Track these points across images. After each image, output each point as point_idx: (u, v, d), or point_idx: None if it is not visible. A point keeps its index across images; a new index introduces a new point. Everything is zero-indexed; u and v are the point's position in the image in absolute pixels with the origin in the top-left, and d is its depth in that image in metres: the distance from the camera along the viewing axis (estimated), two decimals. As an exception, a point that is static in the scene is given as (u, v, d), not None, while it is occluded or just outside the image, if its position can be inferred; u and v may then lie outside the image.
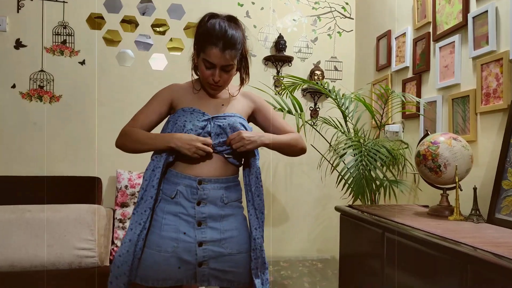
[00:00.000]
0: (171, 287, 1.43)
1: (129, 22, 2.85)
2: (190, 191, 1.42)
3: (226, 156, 1.47)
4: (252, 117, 1.62)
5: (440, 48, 2.12)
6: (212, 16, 1.44)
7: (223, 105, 1.52)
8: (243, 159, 1.55)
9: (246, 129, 1.48)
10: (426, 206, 2.01)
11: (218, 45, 1.36)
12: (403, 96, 2.12)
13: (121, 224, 2.52)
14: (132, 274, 1.39)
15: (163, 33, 2.90)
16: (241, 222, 1.49)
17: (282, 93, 2.50)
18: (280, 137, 1.53)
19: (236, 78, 1.58)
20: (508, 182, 1.54)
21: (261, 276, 1.46)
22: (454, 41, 2.00)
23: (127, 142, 1.48)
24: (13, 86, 2.66)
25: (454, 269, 1.21)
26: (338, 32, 3.22)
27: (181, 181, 1.44)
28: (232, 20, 1.45)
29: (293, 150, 1.57)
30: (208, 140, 1.41)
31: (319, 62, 3.18)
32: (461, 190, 1.64)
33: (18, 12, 2.66)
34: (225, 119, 1.46)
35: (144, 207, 1.40)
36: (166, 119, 1.56)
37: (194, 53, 1.50)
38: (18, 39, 2.67)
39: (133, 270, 1.39)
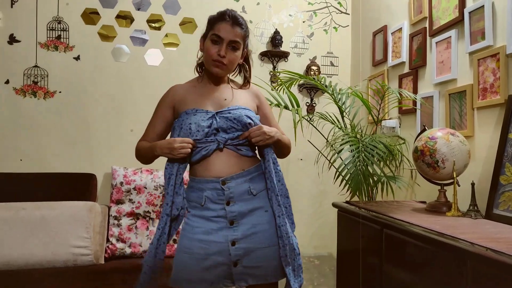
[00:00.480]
0: None
1: (125, 18, 2.82)
2: (217, 194, 1.42)
3: (237, 148, 1.45)
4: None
5: (436, 43, 2.12)
6: (222, 11, 1.51)
7: (225, 99, 1.50)
8: (256, 150, 1.54)
9: (252, 120, 1.46)
10: (424, 202, 2.01)
11: (228, 21, 1.43)
12: (399, 93, 2.11)
13: (116, 222, 2.50)
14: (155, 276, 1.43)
15: (158, 28, 2.87)
16: (271, 215, 1.48)
17: (279, 88, 2.49)
18: (284, 137, 1.57)
19: (237, 79, 1.62)
20: (506, 177, 1.54)
21: (292, 263, 1.44)
22: (450, 36, 2.00)
23: (138, 157, 1.58)
24: (7, 82, 2.63)
25: (453, 265, 1.21)
26: (334, 28, 3.21)
27: (205, 186, 1.43)
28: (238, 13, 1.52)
29: (286, 151, 1.63)
30: (186, 139, 1.40)
31: (315, 58, 3.17)
32: (459, 185, 1.64)
33: (12, 7, 2.63)
34: (229, 113, 1.44)
35: (162, 214, 1.45)
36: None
37: (201, 43, 1.52)
38: (12, 34, 2.63)
39: (156, 273, 1.43)
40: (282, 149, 1.57)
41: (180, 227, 1.48)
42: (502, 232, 1.33)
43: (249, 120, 1.45)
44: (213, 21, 1.47)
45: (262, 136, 1.43)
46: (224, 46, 1.43)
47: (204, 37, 1.51)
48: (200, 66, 1.57)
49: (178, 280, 1.41)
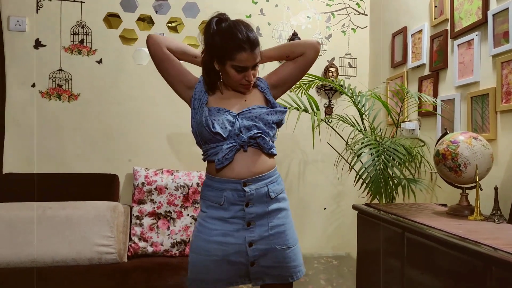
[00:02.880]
0: None
1: (145, 21, 2.88)
2: (237, 195, 1.42)
3: (261, 147, 1.44)
4: (276, 89, 1.59)
5: (458, 45, 2.11)
6: (219, 20, 1.43)
7: (245, 100, 1.51)
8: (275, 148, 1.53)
9: (270, 118, 1.45)
10: (444, 205, 2.01)
11: (246, 49, 1.37)
12: (420, 96, 2.11)
13: (138, 221, 2.56)
14: None
15: (178, 31, 2.92)
16: (287, 216, 1.50)
17: (298, 91, 2.51)
18: (274, 49, 1.57)
19: None
20: (529, 182, 1.53)
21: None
22: (473, 39, 1.99)
23: (169, 41, 1.52)
24: (33, 85, 2.71)
25: (476, 270, 1.21)
26: (352, 29, 3.21)
27: (226, 186, 1.43)
28: (240, 21, 1.44)
29: (293, 53, 1.54)
30: None
31: (333, 59, 3.17)
32: (481, 189, 1.63)
33: (37, 12, 2.70)
34: (250, 112, 1.45)
35: None
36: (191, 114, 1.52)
37: (209, 59, 1.45)
38: (38, 39, 2.71)
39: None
40: (281, 55, 1.56)
41: (194, 227, 1.49)
42: (527, 237, 1.32)
43: (269, 118, 1.45)
44: (228, 50, 1.38)
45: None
46: (249, 72, 1.42)
47: (217, 59, 1.42)
48: (212, 72, 1.49)
49: (195, 281, 1.43)
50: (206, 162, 1.51)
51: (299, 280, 1.51)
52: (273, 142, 1.51)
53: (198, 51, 1.55)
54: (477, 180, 1.61)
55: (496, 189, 1.58)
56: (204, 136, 1.44)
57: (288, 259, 1.46)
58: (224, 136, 1.41)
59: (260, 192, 1.44)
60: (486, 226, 1.49)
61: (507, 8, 1.75)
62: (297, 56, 1.54)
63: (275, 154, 1.52)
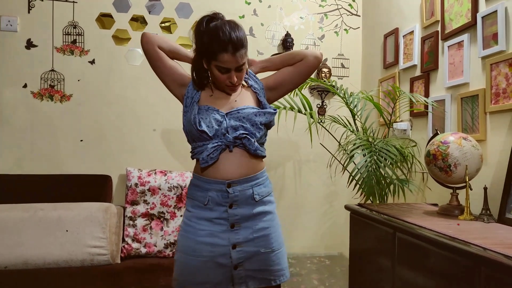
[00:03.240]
0: None
1: (138, 21, 2.87)
2: (221, 195, 1.43)
3: (247, 148, 1.43)
4: (272, 91, 1.60)
5: (448, 46, 2.13)
6: (210, 19, 1.43)
7: (236, 101, 1.51)
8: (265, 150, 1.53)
9: (258, 119, 1.46)
10: (435, 205, 2.03)
11: (228, 50, 1.36)
12: (413, 97, 2.13)
13: (131, 222, 2.55)
14: None
15: (171, 31, 2.92)
16: (272, 219, 1.50)
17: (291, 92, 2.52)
18: (274, 57, 1.62)
19: None
20: (518, 182, 1.55)
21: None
22: (463, 40, 2.01)
23: (162, 41, 1.52)
24: (25, 86, 2.69)
25: (466, 270, 1.23)
26: (345, 30, 3.23)
27: (211, 186, 1.44)
28: (230, 21, 1.44)
29: (294, 59, 1.58)
30: None
31: (326, 60, 3.18)
32: (471, 189, 1.66)
33: (29, 12, 2.69)
34: (238, 112, 1.46)
35: None
36: (183, 112, 1.53)
37: (198, 58, 1.46)
38: (29, 39, 2.69)
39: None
40: (283, 63, 1.59)
41: (179, 227, 1.49)
42: (515, 237, 1.34)
43: (257, 119, 1.45)
44: (212, 49, 1.38)
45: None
46: (233, 73, 1.42)
47: (204, 58, 1.43)
48: (199, 71, 1.50)
49: (182, 282, 1.43)
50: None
51: (290, 280, 1.52)
52: (262, 144, 1.51)
53: (190, 52, 1.56)
54: (467, 180, 1.63)
55: (485, 189, 1.60)
56: (193, 134, 1.45)
57: (272, 262, 1.47)
58: (210, 135, 1.41)
59: (245, 194, 1.44)
60: (475, 226, 1.51)
61: (496, 11, 1.77)
62: (298, 61, 1.57)
63: (263, 156, 1.52)
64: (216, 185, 1.43)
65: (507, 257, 1.10)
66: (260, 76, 1.62)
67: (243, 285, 1.45)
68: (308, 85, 2.61)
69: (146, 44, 1.51)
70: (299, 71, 1.57)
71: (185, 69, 1.57)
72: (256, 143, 1.45)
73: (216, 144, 1.41)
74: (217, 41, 1.37)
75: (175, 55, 1.55)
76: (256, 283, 1.46)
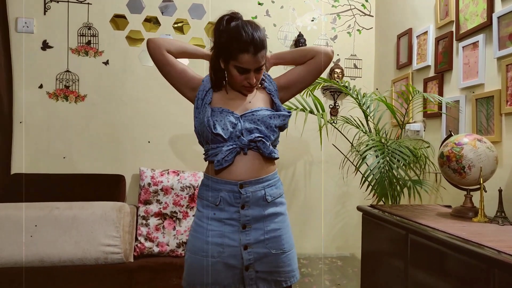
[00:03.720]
0: None
1: (151, 22, 2.90)
2: (233, 196, 1.42)
3: (261, 151, 1.43)
4: (284, 90, 1.60)
5: (463, 47, 2.11)
6: (230, 19, 1.43)
7: (250, 102, 1.51)
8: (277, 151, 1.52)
9: (272, 122, 1.46)
10: (449, 206, 2.01)
11: (250, 51, 1.36)
12: (426, 98, 2.11)
13: (144, 221, 2.58)
14: None
15: (184, 32, 2.94)
16: (283, 221, 1.49)
17: (303, 92, 2.52)
18: (286, 53, 1.62)
19: None
20: (534, 185, 1.53)
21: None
22: (478, 41, 1.99)
23: (169, 44, 1.51)
24: (40, 86, 2.74)
25: (479, 273, 1.21)
26: (358, 30, 3.22)
27: (223, 187, 1.43)
28: (251, 21, 1.44)
29: (305, 56, 1.57)
30: None
31: (338, 60, 3.18)
32: (485, 191, 1.64)
33: (44, 14, 2.74)
34: (253, 114, 1.45)
35: None
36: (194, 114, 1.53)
37: (215, 57, 1.47)
38: (45, 40, 2.74)
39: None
40: (294, 60, 1.59)
41: (190, 227, 1.49)
42: (531, 240, 1.33)
43: (272, 121, 1.44)
44: (232, 49, 1.38)
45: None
46: (251, 74, 1.41)
47: (222, 57, 1.43)
48: (217, 70, 1.51)
49: (192, 282, 1.43)
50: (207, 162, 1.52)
51: (302, 280, 1.52)
52: (275, 146, 1.51)
53: (200, 48, 1.58)
54: (482, 182, 1.61)
55: (500, 191, 1.58)
56: (206, 136, 1.44)
57: (283, 263, 1.46)
58: (225, 137, 1.40)
59: (257, 195, 1.43)
60: (490, 228, 1.49)
61: (512, 11, 1.75)
62: (309, 59, 1.56)
63: (276, 158, 1.51)
64: (228, 185, 1.43)
65: (522, 260, 1.09)
66: (272, 75, 1.62)
67: (254, 286, 1.45)
68: (321, 86, 2.60)
69: (154, 50, 1.50)
70: (310, 69, 1.57)
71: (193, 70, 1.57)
72: (270, 146, 1.44)
73: (231, 147, 1.40)
74: (239, 41, 1.36)
75: (184, 54, 1.55)
76: (266, 285, 1.46)
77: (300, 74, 1.58)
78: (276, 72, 1.67)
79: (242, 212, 1.42)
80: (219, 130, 1.40)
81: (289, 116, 1.52)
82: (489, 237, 1.35)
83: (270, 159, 1.48)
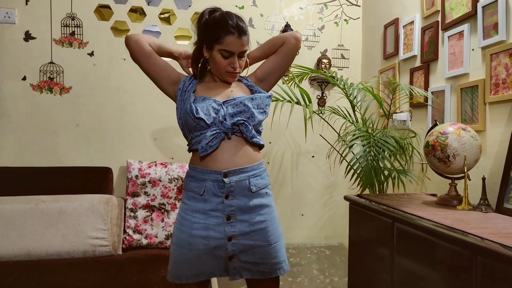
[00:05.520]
0: (202, 282, 1.47)
1: (137, 12, 2.86)
2: (217, 185, 1.42)
3: (244, 135, 1.45)
4: (262, 82, 1.63)
5: (448, 37, 2.12)
6: (213, 11, 1.52)
7: (232, 91, 1.54)
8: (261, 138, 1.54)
9: (254, 103, 1.49)
10: (434, 195, 2.04)
11: (234, 33, 1.43)
12: (411, 89, 2.13)
13: (132, 214, 2.57)
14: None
15: (170, 23, 2.90)
16: (270, 212, 1.49)
17: (290, 83, 2.52)
18: (260, 48, 1.65)
19: None
20: (516, 172, 1.56)
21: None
22: (463, 30, 2.00)
23: (149, 38, 1.55)
24: (24, 78, 2.69)
25: (463, 259, 1.24)
26: (345, 20, 3.21)
27: (208, 176, 1.43)
28: (232, 12, 1.51)
29: (274, 46, 1.62)
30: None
31: (326, 50, 3.18)
32: (469, 179, 1.66)
33: (26, 4, 2.68)
34: (235, 99, 1.47)
35: None
36: (176, 105, 1.55)
37: (199, 47, 1.52)
38: (28, 31, 2.68)
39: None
40: (265, 53, 1.63)
41: (175, 220, 1.50)
42: (512, 227, 1.35)
43: (252, 108, 1.46)
44: (217, 33, 1.44)
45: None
46: (235, 58, 1.47)
47: (207, 44, 1.48)
48: (199, 61, 1.55)
49: (177, 275, 1.44)
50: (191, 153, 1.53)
51: (291, 270, 1.53)
52: (259, 132, 1.53)
53: (173, 46, 1.62)
54: (466, 170, 1.64)
55: (484, 179, 1.60)
56: (189, 124, 1.45)
57: (269, 255, 1.47)
58: (208, 122, 1.42)
59: (241, 184, 1.44)
60: (473, 216, 1.52)
61: (497, 0, 1.76)
62: (278, 47, 1.60)
63: (261, 146, 1.53)
64: (212, 175, 1.43)
65: (504, 246, 1.11)
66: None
67: (238, 275, 1.47)
68: (308, 76, 2.60)
69: (136, 43, 1.52)
70: (282, 56, 1.61)
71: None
72: (253, 131, 1.46)
73: (215, 132, 1.42)
74: (224, 26, 1.43)
75: (161, 51, 1.57)
76: (251, 275, 1.47)
77: (276, 62, 1.62)
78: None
79: (226, 202, 1.43)
80: (201, 115, 1.41)
81: (270, 97, 1.55)
82: (473, 224, 1.38)
83: (254, 147, 1.50)
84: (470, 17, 1.96)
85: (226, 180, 1.42)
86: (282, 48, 1.60)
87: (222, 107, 1.45)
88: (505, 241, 1.14)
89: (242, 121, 1.44)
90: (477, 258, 1.17)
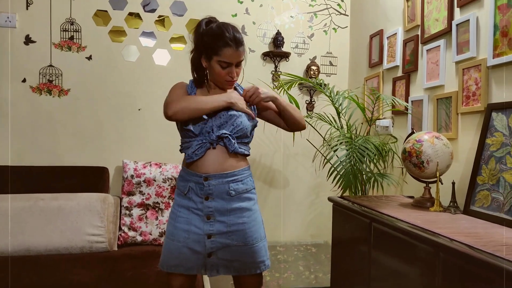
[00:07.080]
0: (186, 276, 1.61)
1: (134, 18, 2.97)
2: (199, 187, 1.57)
3: (227, 146, 1.57)
4: (257, 110, 1.75)
5: (427, 50, 2.28)
6: (209, 22, 1.62)
7: None
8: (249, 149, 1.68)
9: (241, 119, 1.60)
10: (411, 197, 2.19)
11: (232, 46, 1.54)
12: (390, 100, 2.28)
13: (127, 212, 2.69)
14: None
15: (166, 29, 3.02)
16: (249, 215, 1.60)
17: (279, 90, 2.65)
18: (289, 104, 1.74)
19: None
20: (482, 178, 1.72)
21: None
22: (439, 45, 2.16)
23: (186, 105, 1.52)
24: (24, 81, 2.79)
25: (429, 256, 1.39)
26: (334, 29, 3.36)
27: (191, 178, 1.59)
28: (228, 23, 1.62)
29: (296, 118, 1.73)
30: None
31: (315, 58, 3.32)
32: (441, 183, 1.82)
33: (27, 9, 2.78)
34: (227, 113, 1.60)
35: None
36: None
37: (197, 56, 1.62)
38: (28, 35, 2.79)
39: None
40: (289, 113, 1.71)
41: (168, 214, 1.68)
42: (475, 227, 1.51)
43: (241, 118, 1.59)
44: (216, 46, 1.53)
45: (256, 93, 1.60)
46: (233, 68, 1.58)
47: (205, 55, 1.58)
48: (199, 69, 1.65)
49: (163, 263, 1.62)
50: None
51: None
52: (247, 143, 1.65)
53: (216, 101, 1.58)
54: (438, 175, 1.79)
55: (453, 183, 1.76)
56: (180, 131, 1.63)
57: (245, 255, 1.59)
58: (196, 133, 1.56)
59: (220, 188, 1.57)
60: (443, 217, 1.67)
61: (469, 20, 1.92)
62: (293, 124, 1.75)
63: (246, 155, 1.66)
64: (194, 177, 1.58)
65: (461, 244, 1.26)
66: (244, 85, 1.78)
67: (214, 272, 1.60)
68: (297, 83, 2.74)
69: (179, 116, 1.53)
70: (284, 126, 1.78)
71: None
72: (235, 144, 1.58)
73: (200, 142, 1.56)
74: (222, 38, 1.53)
75: (202, 106, 1.56)
76: (227, 271, 1.61)
77: (277, 122, 1.78)
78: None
79: (206, 203, 1.57)
80: (189, 126, 1.55)
81: (256, 122, 1.69)
82: (440, 224, 1.53)
83: (238, 155, 1.62)
84: (446, 33, 2.12)
85: (205, 183, 1.56)
86: (284, 124, 1.77)
87: (211, 119, 1.58)
88: (464, 239, 1.29)
89: (227, 135, 1.56)
90: (439, 254, 1.32)
